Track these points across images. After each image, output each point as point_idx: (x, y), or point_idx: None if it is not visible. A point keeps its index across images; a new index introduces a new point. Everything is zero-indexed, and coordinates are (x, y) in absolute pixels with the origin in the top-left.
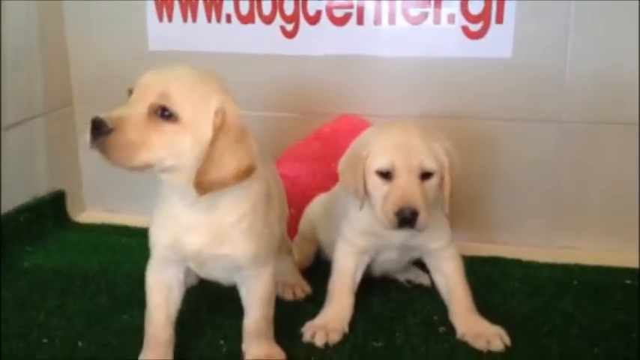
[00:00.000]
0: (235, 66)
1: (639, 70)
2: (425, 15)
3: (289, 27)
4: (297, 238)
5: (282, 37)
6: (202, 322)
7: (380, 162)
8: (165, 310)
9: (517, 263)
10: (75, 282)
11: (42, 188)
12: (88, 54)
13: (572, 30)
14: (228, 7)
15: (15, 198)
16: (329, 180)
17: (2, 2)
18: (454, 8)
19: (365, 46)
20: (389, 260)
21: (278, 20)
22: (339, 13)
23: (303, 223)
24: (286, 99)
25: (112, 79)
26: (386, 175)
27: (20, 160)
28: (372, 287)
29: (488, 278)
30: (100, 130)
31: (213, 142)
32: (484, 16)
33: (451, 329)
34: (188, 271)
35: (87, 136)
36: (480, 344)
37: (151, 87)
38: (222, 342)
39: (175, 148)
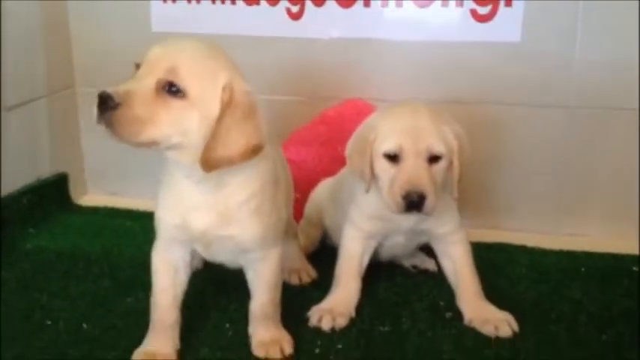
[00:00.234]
0: (240, 48)
1: None
2: None
3: (295, 9)
4: (302, 222)
5: (288, 19)
6: (207, 305)
7: (387, 145)
8: (171, 293)
9: (523, 249)
10: (78, 264)
11: (45, 170)
12: (91, 35)
13: (582, 14)
14: None
15: (17, 180)
16: (335, 164)
17: None
18: None
19: (371, 29)
20: (397, 245)
21: (283, 2)
22: None
23: (309, 208)
24: (291, 82)
25: (114, 61)
26: (393, 158)
27: (22, 142)
28: (378, 272)
29: (493, 264)
30: (106, 104)
31: (220, 118)
32: None
33: (458, 315)
34: (194, 254)
35: (94, 110)
36: (487, 330)
37: (159, 62)
38: (227, 325)
39: (182, 125)
